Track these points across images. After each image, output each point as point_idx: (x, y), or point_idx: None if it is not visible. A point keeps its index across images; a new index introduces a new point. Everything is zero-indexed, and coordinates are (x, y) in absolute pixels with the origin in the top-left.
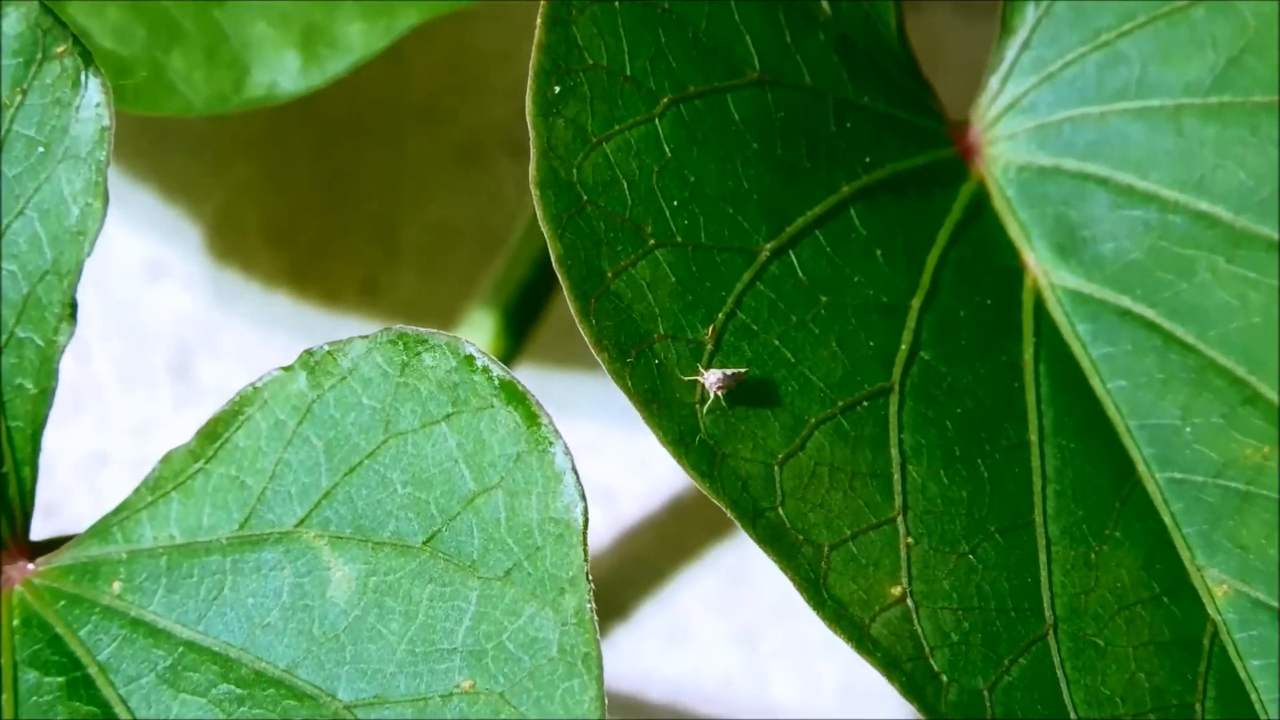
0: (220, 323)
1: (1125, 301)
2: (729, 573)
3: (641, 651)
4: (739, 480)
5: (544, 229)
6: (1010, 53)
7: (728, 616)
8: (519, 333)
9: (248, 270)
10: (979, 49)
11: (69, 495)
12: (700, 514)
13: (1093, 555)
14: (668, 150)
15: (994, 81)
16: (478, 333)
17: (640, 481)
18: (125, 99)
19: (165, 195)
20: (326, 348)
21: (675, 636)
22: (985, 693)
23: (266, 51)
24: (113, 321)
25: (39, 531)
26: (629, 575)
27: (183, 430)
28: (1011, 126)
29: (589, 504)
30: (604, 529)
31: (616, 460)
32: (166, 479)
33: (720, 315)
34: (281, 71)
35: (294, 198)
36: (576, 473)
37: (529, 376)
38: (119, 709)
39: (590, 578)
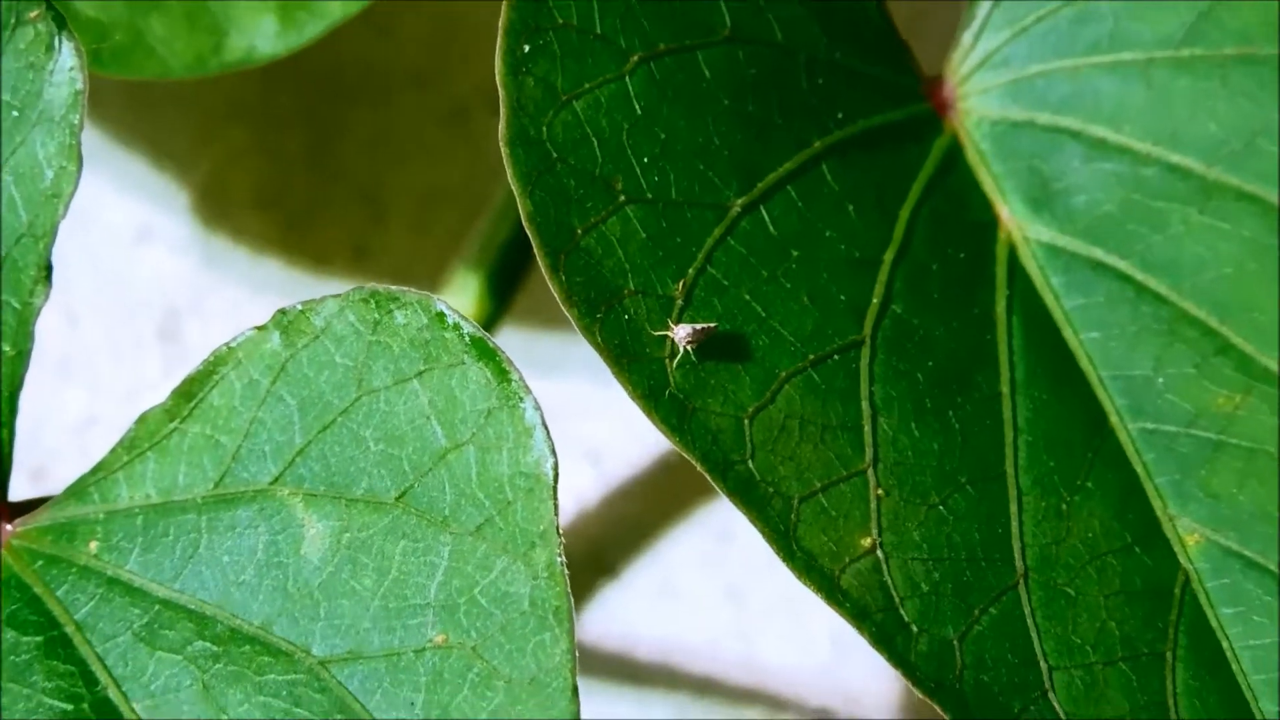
0: (209, 286)
1: (1098, 253)
2: (717, 530)
3: (630, 609)
4: (709, 434)
5: (514, 187)
6: (983, 8)
7: (716, 573)
8: (503, 293)
9: (237, 234)
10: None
11: (58, 459)
12: (689, 472)
13: (1064, 506)
14: (638, 108)
15: (967, 36)
16: (462, 294)
17: (629, 440)
18: (103, 62)
19: (154, 160)
20: (299, 306)
21: (664, 594)
22: (955, 642)
23: (244, 15)
24: (102, 286)
25: (28, 494)
26: (618, 533)
27: None
28: (985, 81)
29: (579, 462)
30: (592, 488)
31: (605, 420)
32: (143, 439)
33: (691, 270)
34: (259, 35)
35: (283, 162)
36: (546, 427)
37: (518, 337)
38: (96, 667)
39: (560, 532)
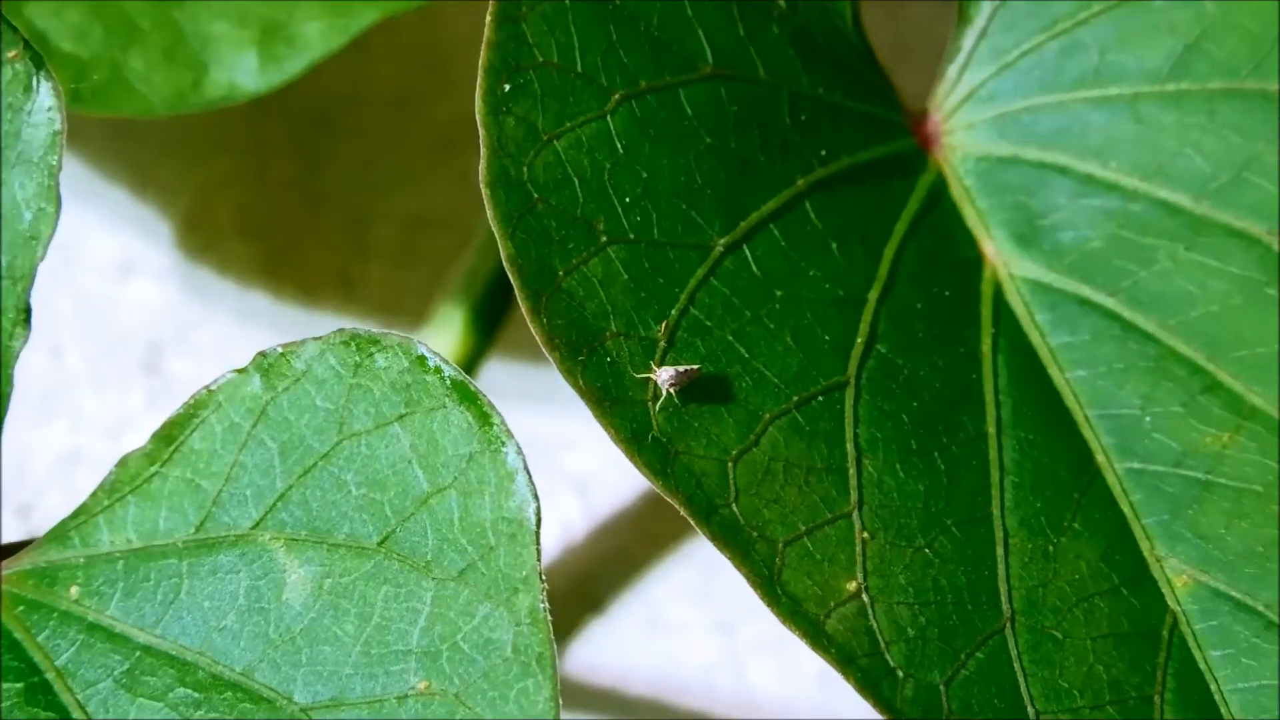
0: (194, 319)
1: (1085, 290)
2: (706, 563)
3: (618, 644)
4: (693, 477)
5: (494, 228)
6: (968, 42)
7: (705, 607)
8: (488, 328)
9: (221, 265)
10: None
11: (44, 495)
12: None
13: (1051, 547)
14: (620, 146)
15: (952, 71)
16: (446, 330)
17: (616, 472)
18: (84, 100)
19: (137, 191)
20: (280, 349)
21: (653, 628)
22: (942, 687)
23: (225, 51)
24: (86, 319)
25: (14, 531)
26: (605, 566)
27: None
28: (970, 116)
29: (566, 495)
30: (580, 520)
31: (594, 452)
32: (123, 482)
33: (673, 312)
34: (240, 71)
35: (267, 192)
36: (529, 472)
37: (505, 369)
38: (77, 714)
39: (543, 576)
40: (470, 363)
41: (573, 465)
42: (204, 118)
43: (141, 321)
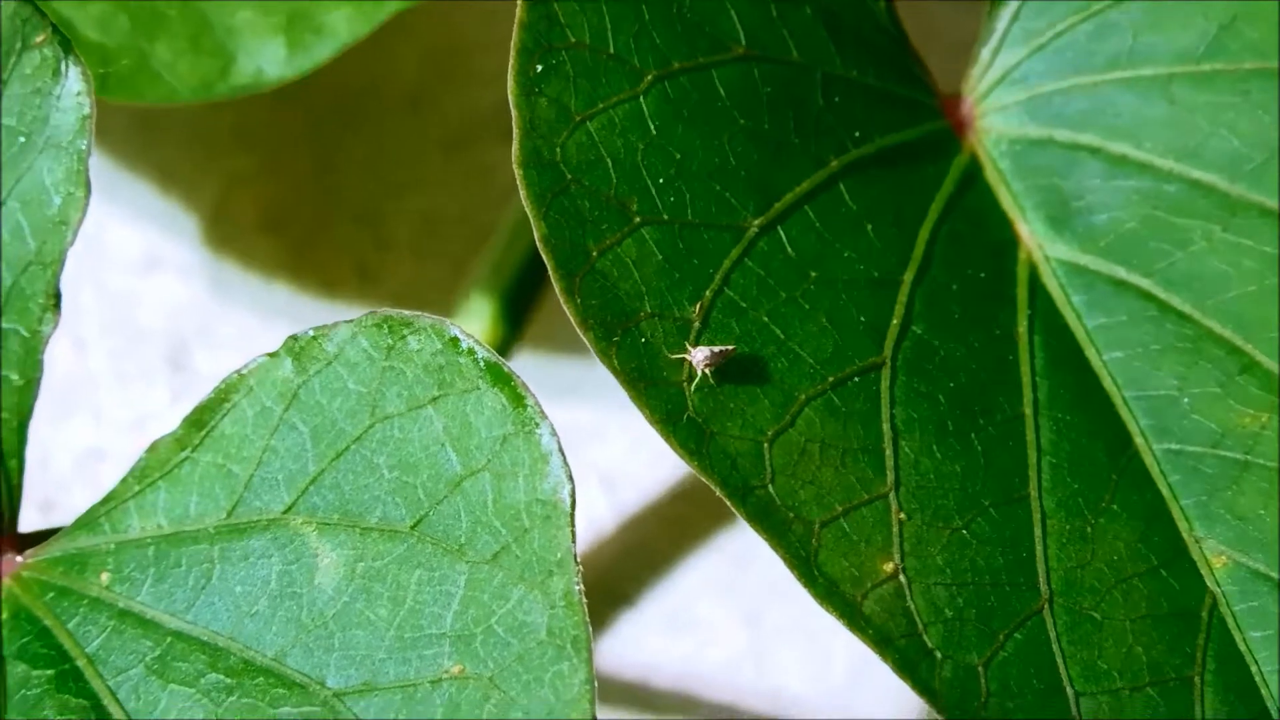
0: (217, 313)
1: (1120, 272)
2: (733, 555)
3: (646, 637)
4: (728, 458)
5: (527, 209)
6: (1001, 24)
7: (733, 599)
8: (517, 317)
9: (244, 260)
10: (977, 22)
11: (67, 490)
12: (704, 497)
13: (1089, 528)
14: (652, 127)
15: (985, 53)
16: (476, 319)
17: (644, 466)
18: (110, 88)
19: (160, 187)
20: (311, 332)
21: (680, 621)
22: (980, 668)
23: (250, 38)
24: (109, 314)
25: (38, 527)
26: (632, 560)
27: None
28: (1003, 98)
29: (594, 489)
30: (607, 514)
31: (621, 445)
32: (153, 468)
33: (708, 292)
34: (266, 58)
35: (289, 186)
36: (563, 453)
37: (532, 361)
38: (108, 701)
39: (578, 559)
40: (499, 353)
41: (600, 459)
42: (227, 113)
43: (165, 316)
